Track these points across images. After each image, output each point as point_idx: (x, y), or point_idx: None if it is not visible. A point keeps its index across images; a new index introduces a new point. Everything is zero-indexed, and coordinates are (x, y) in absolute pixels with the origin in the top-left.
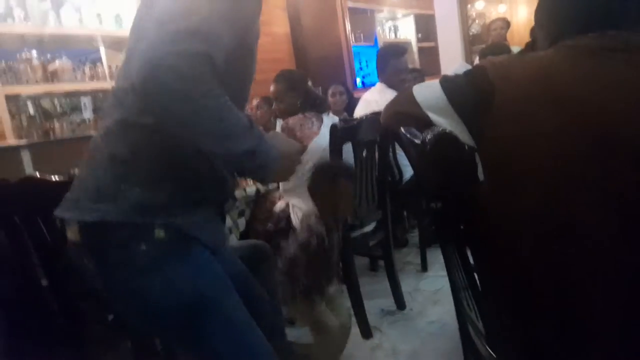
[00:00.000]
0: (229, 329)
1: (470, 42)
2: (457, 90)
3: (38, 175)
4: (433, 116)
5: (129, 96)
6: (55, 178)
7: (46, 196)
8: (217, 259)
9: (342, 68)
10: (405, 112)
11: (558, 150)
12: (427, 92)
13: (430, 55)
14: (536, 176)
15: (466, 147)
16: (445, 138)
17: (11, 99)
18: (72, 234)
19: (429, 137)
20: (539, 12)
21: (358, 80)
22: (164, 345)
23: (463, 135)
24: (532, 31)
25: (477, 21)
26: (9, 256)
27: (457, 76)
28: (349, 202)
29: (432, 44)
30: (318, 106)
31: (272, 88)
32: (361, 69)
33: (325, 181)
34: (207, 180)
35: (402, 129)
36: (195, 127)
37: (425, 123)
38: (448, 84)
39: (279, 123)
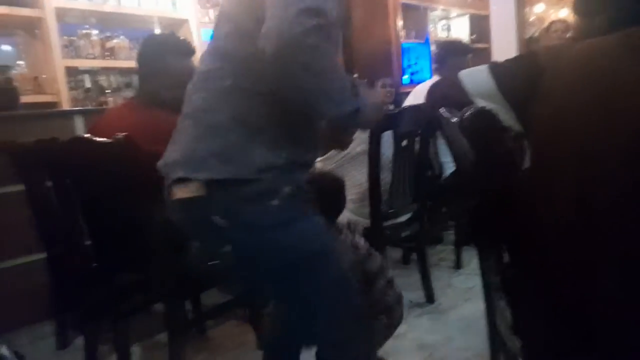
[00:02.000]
0: (340, 276)
1: (525, 45)
2: (506, 75)
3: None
4: (481, 102)
5: (243, 65)
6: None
7: (92, 154)
8: None
9: (390, 64)
10: (452, 97)
11: (601, 141)
12: (475, 78)
13: (482, 56)
14: (577, 165)
15: (512, 132)
16: (483, 114)
17: (70, 71)
18: (184, 192)
19: (467, 113)
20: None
21: (406, 77)
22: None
23: (511, 121)
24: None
25: (535, 24)
26: (57, 212)
27: (506, 61)
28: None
29: (485, 45)
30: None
31: None
32: (409, 66)
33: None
34: (312, 143)
35: (442, 110)
36: (320, 95)
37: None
38: (497, 69)
39: None
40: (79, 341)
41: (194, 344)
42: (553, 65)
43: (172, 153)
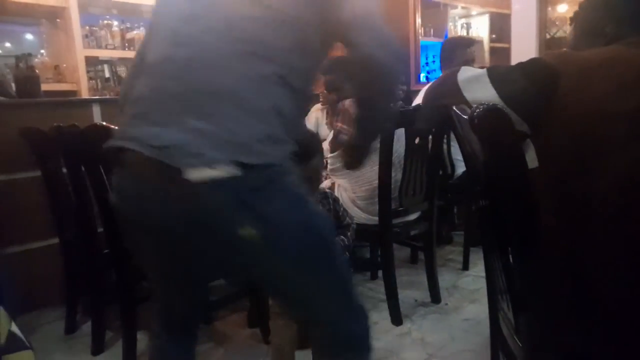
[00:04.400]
0: (338, 257)
1: (546, 45)
2: (511, 86)
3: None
4: (460, 115)
5: (281, 54)
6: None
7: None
8: None
9: (407, 61)
10: (450, 105)
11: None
12: (476, 87)
13: (502, 56)
14: (615, 157)
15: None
16: (494, 112)
17: (90, 61)
18: (213, 173)
19: (477, 111)
20: (592, 18)
21: (422, 75)
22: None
23: (516, 124)
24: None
25: (557, 25)
26: (71, 198)
27: (508, 70)
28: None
29: (505, 45)
30: None
31: (324, 78)
32: (427, 64)
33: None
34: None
35: (455, 108)
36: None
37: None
38: (499, 79)
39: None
40: (87, 327)
41: (200, 334)
42: (566, 63)
43: (169, 133)
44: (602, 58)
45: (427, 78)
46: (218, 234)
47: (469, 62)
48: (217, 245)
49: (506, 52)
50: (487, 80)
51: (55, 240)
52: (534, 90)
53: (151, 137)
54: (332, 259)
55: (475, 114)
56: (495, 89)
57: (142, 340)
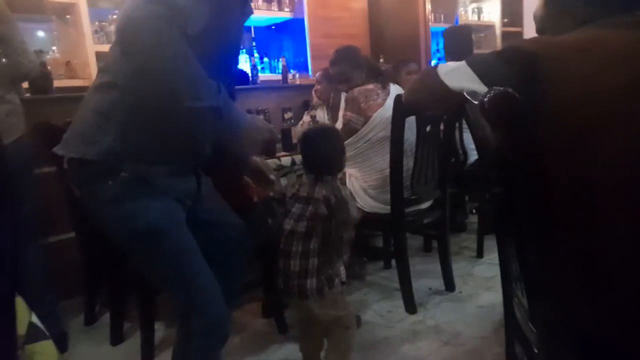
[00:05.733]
0: (175, 255)
1: None
2: (492, 72)
3: None
4: (471, 100)
5: (113, 59)
6: None
7: None
8: (180, 205)
9: (417, 48)
10: (436, 95)
11: (631, 106)
12: (459, 77)
13: (515, 41)
14: (607, 135)
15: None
16: (505, 95)
17: (101, 56)
18: (63, 166)
19: (488, 95)
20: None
21: (433, 62)
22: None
23: None
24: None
25: None
26: None
27: (486, 57)
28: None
29: (518, 29)
30: (381, 76)
31: (333, 70)
32: (438, 50)
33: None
34: (175, 142)
35: (465, 93)
36: (170, 80)
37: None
38: (479, 67)
39: (344, 96)
40: (106, 318)
41: None
42: (544, 45)
43: None
44: (579, 41)
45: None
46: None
47: (471, 50)
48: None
49: (519, 36)
50: (468, 69)
51: (73, 234)
52: (513, 76)
53: None
54: (143, 256)
55: (486, 98)
56: (479, 76)
57: (160, 330)
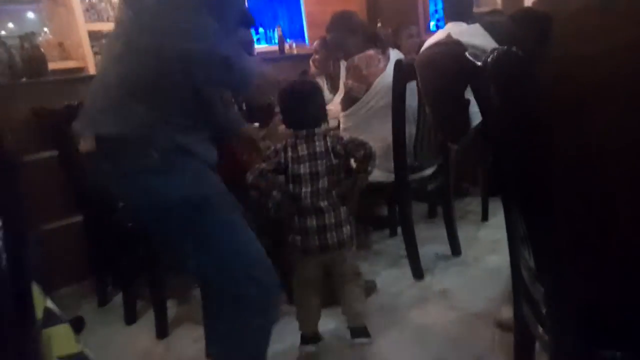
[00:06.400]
0: (226, 225)
1: None
2: (503, 31)
3: None
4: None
5: (129, 28)
6: None
7: None
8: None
9: (415, 10)
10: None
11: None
12: (473, 37)
13: None
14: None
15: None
16: (509, 55)
17: (94, 35)
18: (84, 147)
19: (491, 55)
20: None
21: (432, 23)
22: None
23: None
24: None
25: None
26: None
27: (500, 19)
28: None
29: None
30: (380, 41)
31: (329, 37)
32: (436, 11)
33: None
34: (196, 109)
35: (467, 54)
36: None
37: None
38: (493, 28)
39: (343, 65)
40: (118, 298)
41: None
42: (569, 13)
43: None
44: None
45: (437, 27)
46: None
47: (471, 10)
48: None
49: None
50: (481, 30)
51: (76, 219)
52: (525, 37)
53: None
54: (191, 227)
55: (489, 59)
56: (490, 33)
57: (172, 307)
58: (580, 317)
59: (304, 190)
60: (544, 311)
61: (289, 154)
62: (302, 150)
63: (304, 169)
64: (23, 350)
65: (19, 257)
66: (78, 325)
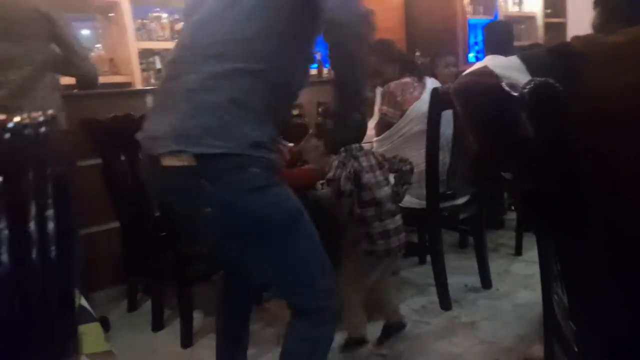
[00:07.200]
0: (311, 239)
1: None
2: (538, 62)
3: None
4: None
5: (238, 46)
6: None
7: None
8: None
9: (454, 41)
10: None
11: None
12: (505, 67)
13: (557, 32)
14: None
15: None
16: (546, 87)
17: (143, 53)
18: (175, 161)
19: (528, 87)
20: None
21: (471, 55)
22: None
23: None
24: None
25: None
26: (130, 184)
27: (537, 51)
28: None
29: (561, 20)
30: (416, 70)
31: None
32: (476, 43)
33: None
34: (283, 124)
35: (504, 84)
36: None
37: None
38: (528, 58)
39: (379, 90)
40: (147, 305)
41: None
42: (592, 44)
43: (159, 127)
44: (627, 40)
45: (476, 58)
46: (186, 206)
47: (512, 44)
48: (191, 217)
49: (562, 27)
50: (518, 62)
51: (115, 225)
52: (559, 67)
53: (149, 131)
54: (284, 242)
55: (526, 89)
56: (525, 64)
57: (198, 317)
58: (613, 356)
59: (378, 196)
60: (575, 350)
61: (357, 166)
62: (364, 162)
63: (371, 177)
64: (65, 334)
65: (67, 250)
66: (103, 326)
